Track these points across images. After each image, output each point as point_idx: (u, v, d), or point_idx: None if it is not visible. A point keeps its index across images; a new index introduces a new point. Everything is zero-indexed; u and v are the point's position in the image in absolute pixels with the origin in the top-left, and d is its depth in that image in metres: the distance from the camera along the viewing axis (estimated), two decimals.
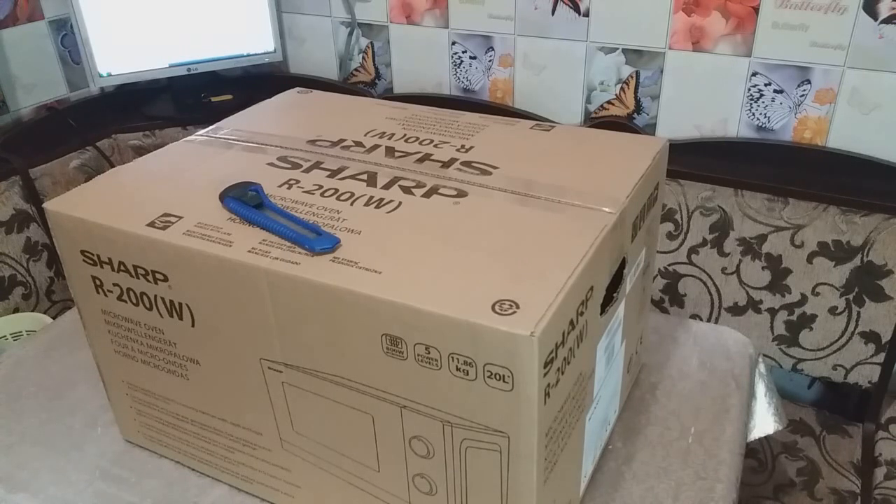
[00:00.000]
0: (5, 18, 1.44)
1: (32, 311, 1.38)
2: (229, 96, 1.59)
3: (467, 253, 0.52)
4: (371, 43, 1.58)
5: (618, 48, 1.32)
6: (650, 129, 1.36)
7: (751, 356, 0.87)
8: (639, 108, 1.35)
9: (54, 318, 1.29)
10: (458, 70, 1.50)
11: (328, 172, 0.65)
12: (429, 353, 0.48)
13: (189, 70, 1.56)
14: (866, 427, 1.20)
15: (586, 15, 1.32)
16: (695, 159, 1.27)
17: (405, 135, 0.72)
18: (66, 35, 1.55)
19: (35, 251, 1.40)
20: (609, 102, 1.38)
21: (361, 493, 0.60)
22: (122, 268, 0.60)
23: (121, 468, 0.71)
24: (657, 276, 1.30)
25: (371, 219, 0.57)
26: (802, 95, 1.21)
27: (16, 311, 1.35)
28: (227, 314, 0.56)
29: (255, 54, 1.60)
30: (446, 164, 0.65)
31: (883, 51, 1.12)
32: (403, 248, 0.53)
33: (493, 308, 0.46)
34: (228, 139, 0.73)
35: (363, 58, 1.61)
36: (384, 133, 0.73)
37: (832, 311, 1.18)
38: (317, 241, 0.53)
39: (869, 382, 1.19)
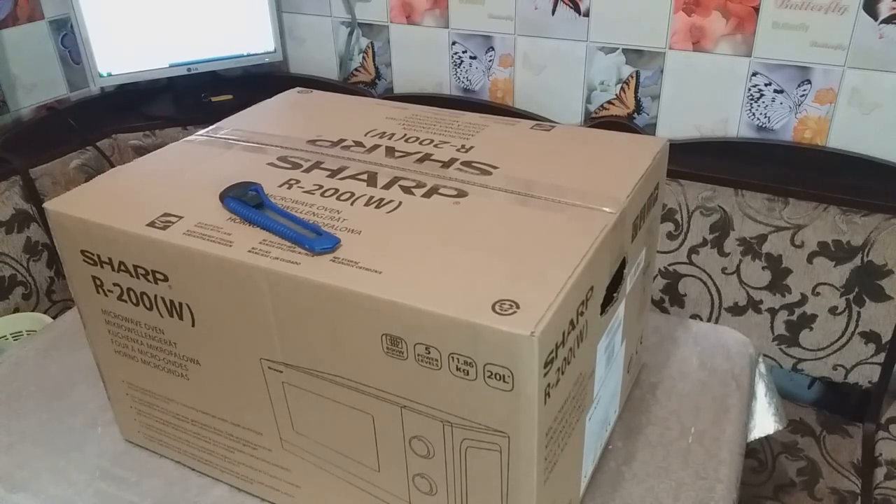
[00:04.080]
0: (5, 18, 1.44)
1: (32, 311, 1.38)
2: (229, 96, 1.59)
3: (467, 253, 0.52)
4: (371, 43, 1.58)
5: (618, 48, 1.32)
6: (650, 129, 1.36)
7: (751, 356, 0.87)
8: (639, 108, 1.35)
9: (54, 318, 1.29)
10: (458, 70, 1.50)
11: (328, 172, 0.65)
12: (429, 353, 0.48)
13: (189, 70, 1.56)
14: (866, 427, 1.20)
15: (586, 15, 1.32)
16: (695, 159, 1.27)
17: (405, 135, 0.72)
18: (67, 35, 1.56)
19: (35, 251, 1.40)
20: (609, 102, 1.38)
21: (361, 493, 0.60)
22: (123, 268, 0.60)
23: (121, 468, 0.71)
24: (657, 276, 1.30)
25: (371, 219, 0.57)
26: (803, 95, 1.21)
27: (16, 311, 1.35)
28: (228, 314, 0.56)
29: (255, 54, 1.60)
30: (446, 164, 0.65)
31: (883, 51, 1.12)
32: (403, 248, 0.53)
33: (493, 308, 0.46)
34: (228, 139, 0.73)
35: (363, 58, 1.61)
36: (384, 133, 0.73)
37: (832, 311, 1.18)
38: (317, 241, 0.53)
39: (869, 382, 1.19)
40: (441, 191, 0.60)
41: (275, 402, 0.59)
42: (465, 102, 1.50)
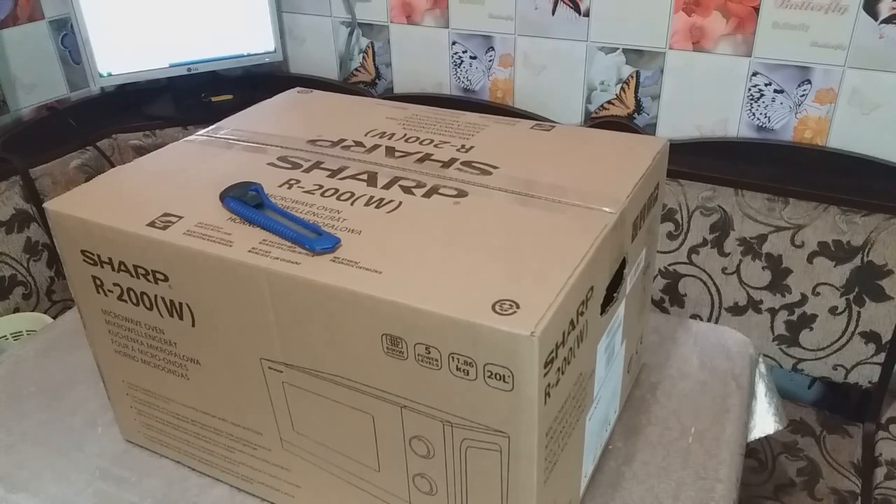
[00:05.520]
0: (5, 18, 1.44)
1: (33, 311, 1.38)
2: (229, 96, 1.59)
3: (467, 253, 0.52)
4: (371, 43, 1.58)
5: (618, 48, 1.32)
6: (650, 129, 1.36)
7: (751, 356, 0.87)
8: (639, 107, 1.35)
9: (54, 318, 1.29)
10: (458, 70, 1.50)
11: (328, 172, 0.65)
12: (429, 352, 0.48)
13: (189, 70, 1.56)
14: (866, 427, 1.20)
15: (586, 15, 1.32)
16: (695, 159, 1.27)
17: (405, 135, 0.72)
18: (67, 35, 1.55)
19: (35, 251, 1.40)
20: (609, 102, 1.38)
21: (361, 493, 0.60)
22: (123, 268, 0.60)
23: (121, 468, 0.71)
24: (657, 276, 1.30)
25: (371, 219, 0.57)
26: (803, 95, 1.21)
27: (16, 311, 1.35)
28: (228, 314, 0.56)
29: (256, 54, 1.60)
30: (446, 164, 0.65)
31: (883, 51, 1.12)
32: (404, 248, 0.53)
33: (493, 308, 0.46)
34: (229, 139, 0.73)
35: (363, 58, 1.61)
36: (384, 133, 0.73)
37: (832, 311, 1.18)
38: (317, 240, 0.53)
39: (869, 382, 1.19)
40: (441, 191, 0.60)
41: (275, 402, 0.59)
42: (465, 102, 1.50)
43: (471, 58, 1.47)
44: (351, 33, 1.59)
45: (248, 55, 1.59)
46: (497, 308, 0.46)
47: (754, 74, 1.23)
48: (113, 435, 0.75)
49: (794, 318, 1.21)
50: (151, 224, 0.58)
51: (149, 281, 0.59)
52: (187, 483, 0.69)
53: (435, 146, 0.69)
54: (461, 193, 0.60)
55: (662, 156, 0.68)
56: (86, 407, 0.78)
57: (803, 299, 1.20)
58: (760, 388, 0.88)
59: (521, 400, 0.47)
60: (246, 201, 0.58)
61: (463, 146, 0.69)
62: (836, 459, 1.15)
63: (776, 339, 1.24)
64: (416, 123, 0.75)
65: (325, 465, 0.60)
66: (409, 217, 0.57)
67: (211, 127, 0.77)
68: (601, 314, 0.57)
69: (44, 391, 0.81)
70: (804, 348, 1.22)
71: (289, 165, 0.66)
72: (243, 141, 0.73)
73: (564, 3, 1.33)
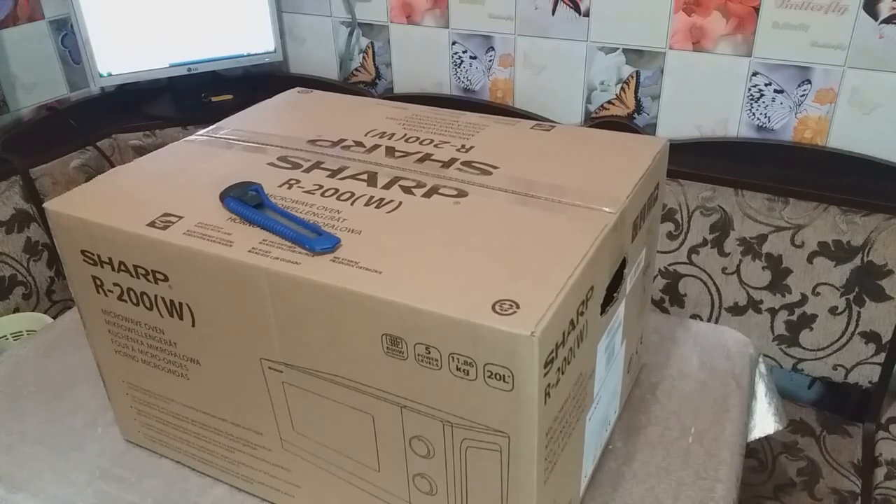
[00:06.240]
0: (5, 18, 1.44)
1: (33, 310, 1.38)
2: (229, 96, 1.59)
3: (468, 253, 0.52)
4: (371, 43, 1.58)
5: (618, 48, 1.32)
6: (650, 129, 1.36)
7: (751, 356, 0.87)
8: (639, 107, 1.35)
9: (54, 318, 1.29)
10: (458, 70, 1.50)
11: (328, 172, 0.65)
12: (429, 353, 0.48)
13: (189, 70, 1.56)
14: (866, 427, 1.20)
15: (586, 15, 1.32)
16: (695, 159, 1.27)
17: (405, 135, 0.72)
18: (67, 35, 1.55)
19: (35, 251, 1.40)
20: (609, 102, 1.38)
21: (361, 493, 0.60)
22: (123, 268, 0.60)
23: (121, 468, 0.71)
24: (657, 276, 1.30)
25: (371, 219, 0.57)
26: (803, 95, 1.21)
27: (16, 311, 1.35)
28: (228, 314, 0.56)
29: (256, 54, 1.60)
30: (447, 164, 0.65)
31: (883, 51, 1.12)
32: (404, 248, 0.53)
33: (493, 308, 0.46)
34: (229, 139, 0.73)
35: (363, 58, 1.61)
36: (384, 133, 0.73)
37: (832, 311, 1.18)
38: (317, 240, 0.53)
39: (869, 382, 1.19)
40: (441, 191, 0.60)
41: (275, 402, 0.59)
42: (465, 102, 1.50)
43: (471, 58, 1.47)
44: (351, 33, 1.59)
45: (248, 55, 1.59)
46: (497, 308, 0.46)
47: (754, 74, 1.23)
48: (113, 435, 0.75)
49: (794, 318, 1.21)
50: (151, 224, 0.58)
51: (149, 281, 0.59)
52: (187, 483, 0.69)
53: (435, 146, 0.69)
54: (461, 193, 0.60)
55: (662, 156, 0.68)
56: (86, 407, 0.78)
57: (803, 299, 1.20)
58: (760, 388, 0.88)
59: (521, 400, 0.47)
60: (246, 201, 0.58)
61: (463, 146, 0.69)
62: (836, 459, 1.15)
63: (776, 339, 1.24)
64: (416, 123, 0.75)
65: (325, 465, 0.60)
66: (409, 217, 0.57)
67: (211, 127, 0.77)
68: (601, 314, 0.57)
69: (44, 391, 0.81)
70: (804, 348, 1.22)
71: (289, 165, 0.66)
72: (243, 141, 0.73)
73: (564, 3, 1.33)
